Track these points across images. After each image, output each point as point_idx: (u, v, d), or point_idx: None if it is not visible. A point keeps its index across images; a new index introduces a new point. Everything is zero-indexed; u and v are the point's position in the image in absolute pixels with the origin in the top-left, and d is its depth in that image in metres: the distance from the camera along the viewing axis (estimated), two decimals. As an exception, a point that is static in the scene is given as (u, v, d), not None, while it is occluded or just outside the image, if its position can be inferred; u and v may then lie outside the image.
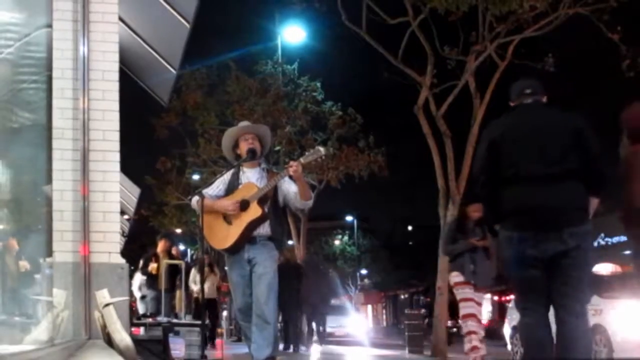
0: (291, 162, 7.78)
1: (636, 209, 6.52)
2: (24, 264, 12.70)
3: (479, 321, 11.47)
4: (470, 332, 11.25)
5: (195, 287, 18.99)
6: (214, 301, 21.11)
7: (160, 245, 17.68)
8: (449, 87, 19.03)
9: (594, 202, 6.30)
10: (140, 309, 18.95)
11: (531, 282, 6.27)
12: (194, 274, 19.41)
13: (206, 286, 16.48)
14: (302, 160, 7.77)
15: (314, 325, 22.46)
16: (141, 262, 18.71)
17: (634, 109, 6.95)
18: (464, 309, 11.34)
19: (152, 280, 17.55)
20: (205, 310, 17.51)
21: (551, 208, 6.13)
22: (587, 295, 6.37)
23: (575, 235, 6.12)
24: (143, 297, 18.76)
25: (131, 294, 17.34)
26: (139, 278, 19.19)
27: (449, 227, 11.76)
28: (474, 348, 11.20)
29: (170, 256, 17.57)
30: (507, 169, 6.26)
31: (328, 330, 29.37)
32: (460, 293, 11.40)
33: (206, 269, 16.32)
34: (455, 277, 11.44)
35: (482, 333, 11.44)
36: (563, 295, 6.19)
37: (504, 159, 6.29)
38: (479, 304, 11.50)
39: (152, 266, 17.32)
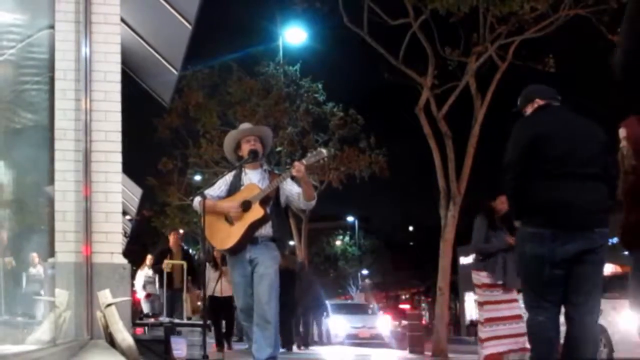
0: (295, 163, 7.81)
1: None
2: (10, 261, 12.63)
3: (515, 319, 10.68)
4: (490, 338, 10.62)
5: (211, 284, 16.29)
6: (231, 299, 18.70)
7: (172, 240, 16.73)
8: (449, 88, 19.03)
9: None
10: (145, 308, 18.28)
11: (552, 280, 6.33)
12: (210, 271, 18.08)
13: (223, 283, 15.82)
14: (305, 161, 7.79)
15: (313, 326, 22.78)
16: (150, 258, 18.19)
17: (634, 122, 7.04)
18: (488, 312, 10.71)
19: (165, 278, 16.16)
20: (221, 309, 16.47)
21: (587, 207, 6.28)
22: (600, 294, 6.52)
23: (603, 235, 6.36)
24: (149, 296, 18.17)
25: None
26: (142, 276, 18.64)
27: (479, 224, 10.87)
28: (491, 357, 10.61)
29: (184, 252, 16.79)
30: (547, 164, 6.34)
31: (352, 331, 29.82)
32: (488, 295, 10.77)
33: (223, 268, 15.65)
34: (485, 277, 10.76)
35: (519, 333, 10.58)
36: (582, 292, 6.34)
37: (546, 153, 6.36)
38: (514, 301, 10.72)
39: (167, 262, 16.17)
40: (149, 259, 18.52)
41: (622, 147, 7.15)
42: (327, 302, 29.82)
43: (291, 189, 8.02)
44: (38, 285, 13.20)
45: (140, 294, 18.78)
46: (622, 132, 7.12)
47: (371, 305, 40.17)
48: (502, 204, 10.66)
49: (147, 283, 18.22)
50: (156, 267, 16.68)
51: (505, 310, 10.68)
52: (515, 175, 6.41)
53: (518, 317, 10.66)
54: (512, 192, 6.59)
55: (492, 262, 10.70)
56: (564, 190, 6.26)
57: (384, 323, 34.18)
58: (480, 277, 10.82)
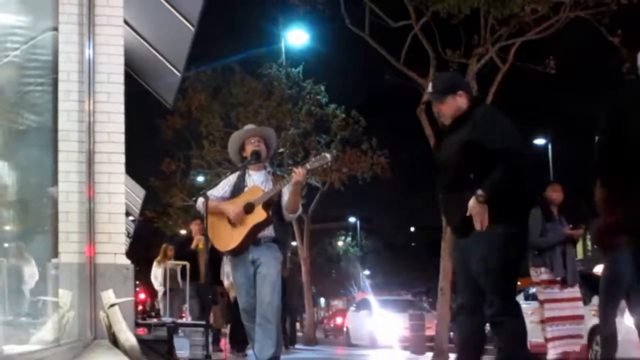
0: (297, 170, 7.78)
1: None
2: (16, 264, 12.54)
3: (577, 319, 10.20)
4: (554, 338, 10.08)
5: (226, 282, 13.87)
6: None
7: (195, 229, 14.91)
8: (451, 90, 19.04)
9: None
10: (162, 306, 16.54)
11: None
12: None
13: None
14: (308, 165, 7.81)
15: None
16: (170, 249, 16.68)
17: None
18: (550, 310, 10.13)
19: (187, 271, 14.60)
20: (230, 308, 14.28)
21: None
22: None
23: None
24: (172, 290, 15.68)
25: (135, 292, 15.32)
26: (160, 270, 16.93)
27: (533, 216, 9.51)
28: (567, 354, 10.09)
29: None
30: None
31: (403, 333, 25.75)
32: (548, 293, 10.18)
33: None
34: (544, 273, 10.16)
35: (578, 334, 10.21)
36: None
37: None
38: (577, 299, 10.21)
39: (199, 238, 14.28)
40: (169, 249, 17.06)
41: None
42: (375, 299, 29.39)
43: (285, 196, 8.03)
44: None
45: (160, 289, 17.20)
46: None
47: (423, 301, 37.02)
48: (554, 192, 10.34)
49: (171, 277, 15.80)
50: (184, 251, 15.10)
51: (568, 310, 10.17)
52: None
53: (580, 317, 10.27)
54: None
55: (550, 257, 10.14)
56: None
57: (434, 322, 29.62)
58: (539, 273, 10.27)
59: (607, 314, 8.41)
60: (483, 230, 5.87)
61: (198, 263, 14.71)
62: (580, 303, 10.28)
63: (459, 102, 6.30)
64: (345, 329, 31.01)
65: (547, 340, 10.27)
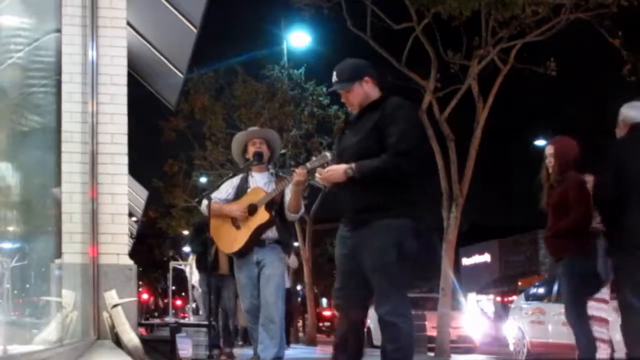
0: (298, 169, 7.75)
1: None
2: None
3: (601, 322, 9.34)
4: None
5: None
6: (288, 292, 13.12)
7: None
8: (452, 91, 19.07)
9: None
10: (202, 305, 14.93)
11: None
12: None
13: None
14: (308, 165, 7.79)
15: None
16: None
17: (561, 142, 7.54)
18: (596, 310, 9.27)
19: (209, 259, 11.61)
20: None
21: None
22: None
23: None
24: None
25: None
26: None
27: None
28: None
29: None
30: None
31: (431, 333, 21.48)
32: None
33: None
34: None
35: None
36: None
37: None
38: (603, 301, 9.33)
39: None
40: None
41: (547, 163, 7.60)
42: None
43: (288, 197, 8.07)
44: None
45: (198, 287, 15.88)
46: (548, 149, 7.67)
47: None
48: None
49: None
50: (196, 241, 13.39)
51: (593, 310, 9.19)
52: None
53: (604, 320, 9.49)
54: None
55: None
56: None
57: (472, 320, 28.19)
58: None
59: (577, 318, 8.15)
60: (377, 226, 5.69)
61: (217, 250, 13.05)
62: (606, 306, 9.42)
63: (366, 88, 6.00)
64: (366, 329, 28.98)
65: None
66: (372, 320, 28.78)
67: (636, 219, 6.75)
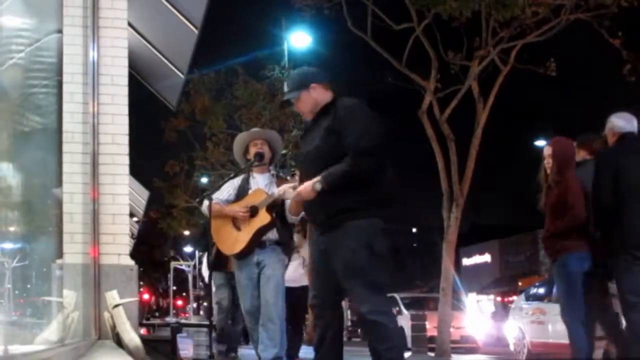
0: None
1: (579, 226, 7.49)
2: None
3: None
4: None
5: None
6: (303, 290, 11.56)
7: None
8: (452, 92, 19.12)
9: None
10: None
11: None
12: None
13: (290, 269, 11.00)
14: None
15: None
16: None
17: (559, 143, 7.66)
18: None
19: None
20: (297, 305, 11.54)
21: None
22: None
23: None
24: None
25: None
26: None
27: None
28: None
29: None
30: None
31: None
32: None
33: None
34: None
35: None
36: None
37: None
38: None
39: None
40: None
41: (545, 164, 7.68)
42: (397, 297, 28.07)
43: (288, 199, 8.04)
44: None
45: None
46: (547, 150, 7.74)
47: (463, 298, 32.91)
48: None
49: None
50: (202, 241, 12.95)
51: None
52: None
53: None
54: None
55: None
56: None
57: (475, 320, 27.86)
58: None
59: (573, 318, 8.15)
60: (347, 227, 5.71)
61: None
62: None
63: (314, 95, 6.06)
64: None
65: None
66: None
67: (631, 221, 7.20)
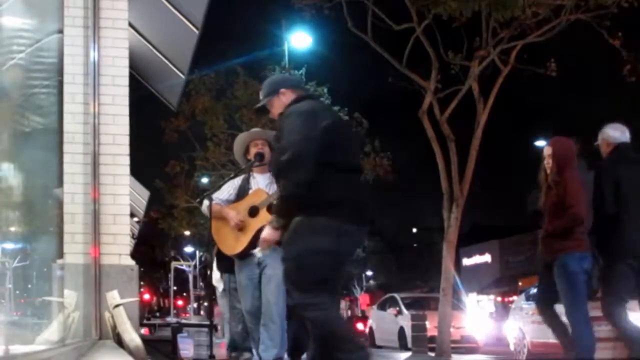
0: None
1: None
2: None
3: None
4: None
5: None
6: None
7: None
8: (452, 92, 19.15)
9: None
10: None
11: None
12: None
13: None
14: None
15: None
16: None
17: (558, 143, 7.78)
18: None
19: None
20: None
21: None
22: None
23: None
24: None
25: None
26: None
27: None
28: None
29: None
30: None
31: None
32: None
33: None
34: None
35: None
36: None
37: None
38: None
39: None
40: None
41: (545, 164, 7.74)
42: (398, 297, 28.01)
43: None
44: None
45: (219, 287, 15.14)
46: (547, 150, 7.79)
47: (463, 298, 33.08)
48: None
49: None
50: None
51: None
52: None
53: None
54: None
55: None
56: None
57: (475, 320, 27.27)
58: None
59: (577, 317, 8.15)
60: (292, 223, 5.75)
61: None
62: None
63: (284, 100, 6.04)
64: (368, 329, 29.21)
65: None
66: (373, 320, 28.68)
67: (632, 230, 7.59)
